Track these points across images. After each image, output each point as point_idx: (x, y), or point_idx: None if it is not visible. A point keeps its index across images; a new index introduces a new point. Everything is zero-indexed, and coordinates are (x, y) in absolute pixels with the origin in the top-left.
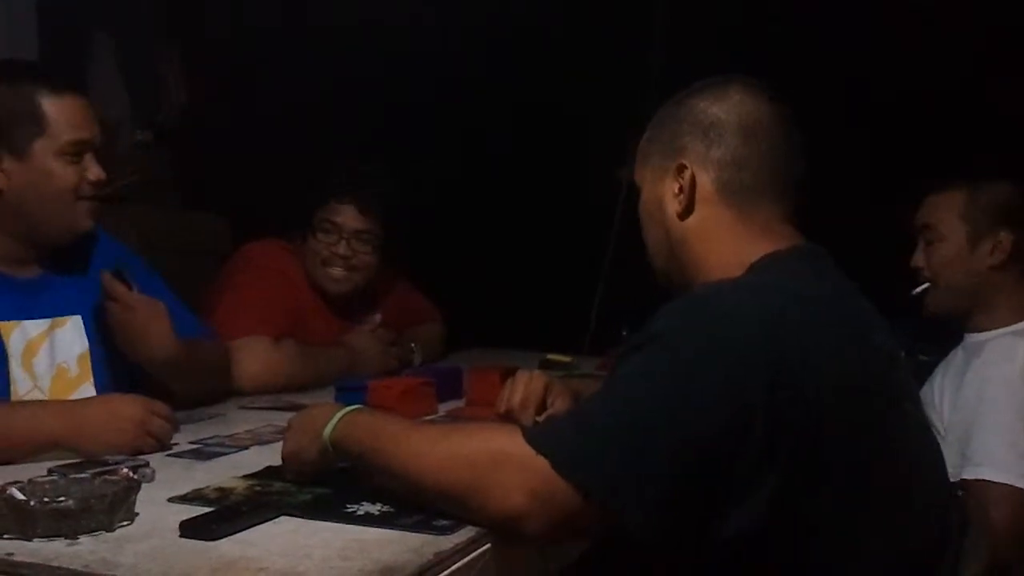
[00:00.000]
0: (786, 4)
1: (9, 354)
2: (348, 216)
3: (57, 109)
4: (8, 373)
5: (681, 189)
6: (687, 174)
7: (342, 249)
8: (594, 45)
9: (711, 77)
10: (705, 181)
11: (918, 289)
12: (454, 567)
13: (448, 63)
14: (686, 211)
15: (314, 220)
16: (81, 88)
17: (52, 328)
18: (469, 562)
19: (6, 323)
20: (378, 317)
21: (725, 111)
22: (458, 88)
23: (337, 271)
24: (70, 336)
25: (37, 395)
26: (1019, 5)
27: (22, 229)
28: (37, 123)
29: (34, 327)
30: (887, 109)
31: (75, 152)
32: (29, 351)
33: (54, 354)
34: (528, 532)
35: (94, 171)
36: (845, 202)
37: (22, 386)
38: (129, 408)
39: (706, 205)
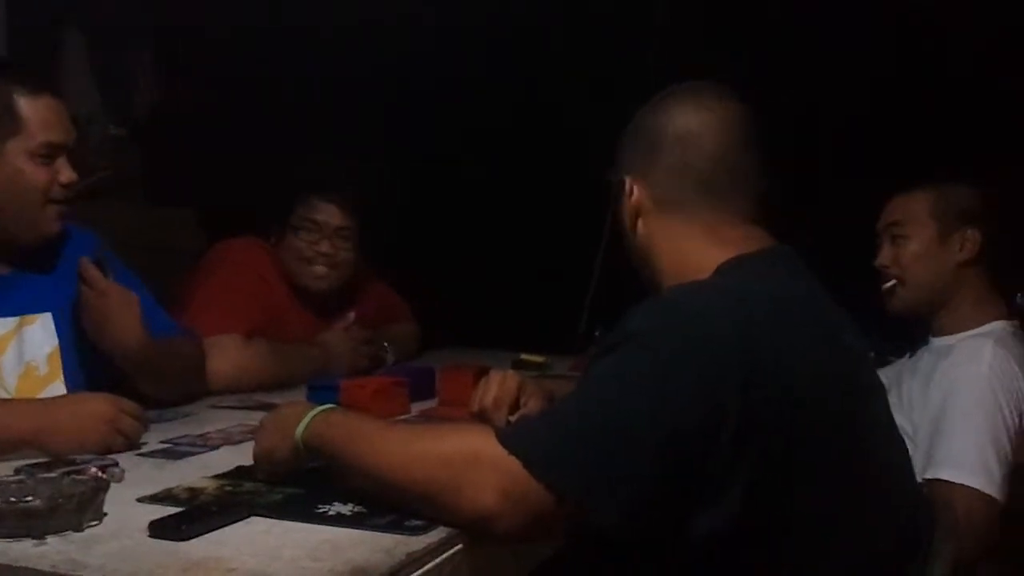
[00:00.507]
0: (785, 4)
1: None
2: (330, 213)
3: (32, 109)
4: None
5: (628, 203)
6: (628, 189)
7: (325, 247)
8: (589, 45)
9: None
10: (644, 195)
11: (887, 284)
12: (426, 568)
13: (429, 59)
14: (634, 224)
15: (293, 218)
16: (54, 86)
17: (20, 326)
18: (441, 563)
19: None
20: (352, 315)
21: (661, 122)
22: (443, 86)
23: (320, 269)
24: (39, 334)
25: (1, 394)
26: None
27: None
28: (12, 122)
29: (1, 325)
30: (884, 108)
31: (47, 154)
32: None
33: (22, 352)
34: (500, 532)
35: (66, 174)
36: (814, 203)
37: None
38: (98, 406)
39: (649, 216)
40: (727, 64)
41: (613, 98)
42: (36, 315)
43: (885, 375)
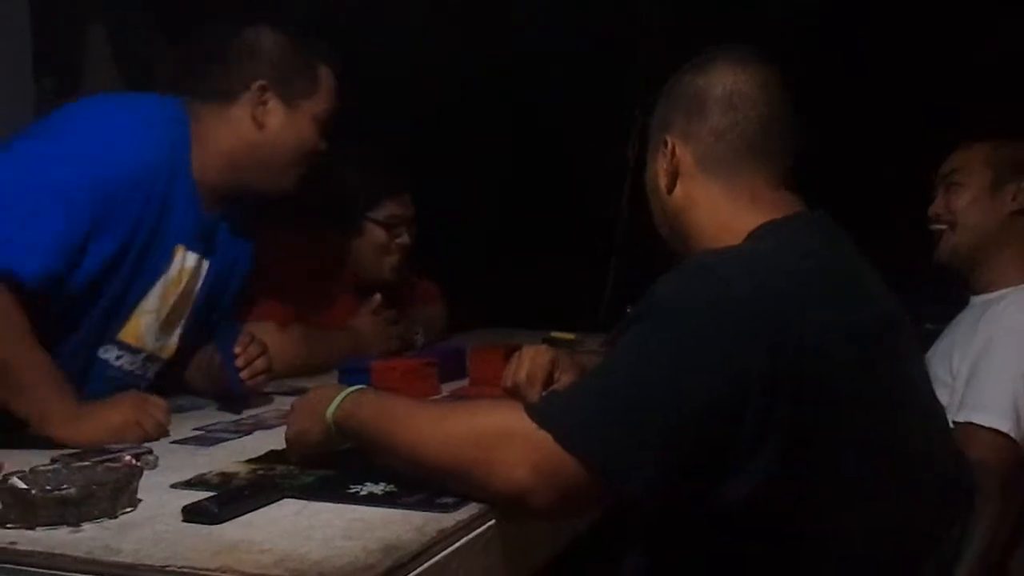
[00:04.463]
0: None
1: (166, 271)
2: (407, 206)
3: (327, 79)
4: (155, 289)
5: (667, 163)
6: (669, 148)
7: (405, 238)
8: (600, 21)
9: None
10: (686, 154)
11: (935, 227)
12: (457, 544)
13: (449, 45)
14: (671, 184)
15: (374, 213)
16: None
17: (198, 266)
18: (473, 539)
19: (180, 245)
20: (378, 296)
21: (706, 83)
22: (460, 70)
23: (395, 259)
24: (200, 279)
25: (149, 318)
26: None
27: (243, 169)
28: (313, 83)
29: (191, 259)
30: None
31: (325, 120)
32: (177, 279)
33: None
34: (534, 507)
35: (323, 144)
36: (853, 169)
37: (150, 302)
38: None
39: (688, 178)
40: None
41: (634, 72)
42: (207, 261)
43: (923, 343)
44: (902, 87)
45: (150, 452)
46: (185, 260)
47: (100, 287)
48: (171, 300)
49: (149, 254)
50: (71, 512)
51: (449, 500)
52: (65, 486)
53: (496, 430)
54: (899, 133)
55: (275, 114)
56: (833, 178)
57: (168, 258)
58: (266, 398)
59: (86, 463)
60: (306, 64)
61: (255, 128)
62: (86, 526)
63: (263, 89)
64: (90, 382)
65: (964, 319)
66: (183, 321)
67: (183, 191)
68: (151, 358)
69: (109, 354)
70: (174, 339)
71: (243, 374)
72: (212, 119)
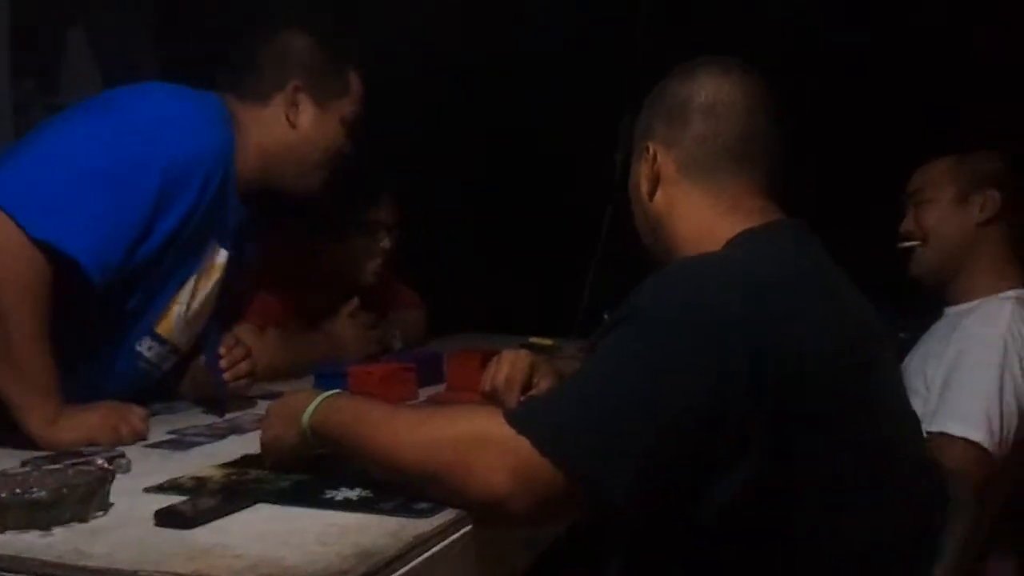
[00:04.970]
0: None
1: (202, 264)
2: (392, 212)
3: (356, 83)
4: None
5: (649, 170)
6: (651, 155)
7: (388, 244)
8: (582, 31)
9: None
10: (668, 161)
11: (908, 244)
12: (434, 550)
13: (430, 48)
14: (653, 190)
15: (358, 219)
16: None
17: (225, 263)
18: (449, 544)
19: (215, 240)
20: (355, 300)
21: (688, 91)
22: (443, 72)
23: (377, 264)
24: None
25: (180, 309)
26: None
27: (274, 168)
28: (344, 84)
29: (222, 255)
30: (877, 94)
31: (353, 122)
32: (208, 274)
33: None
34: (511, 513)
35: (348, 148)
36: (830, 180)
37: (184, 293)
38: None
39: (670, 184)
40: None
41: (615, 84)
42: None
43: (898, 352)
44: (876, 99)
45: (123, 456)
46: (217, 255)
47: (148, 272)
48: (200, 295)
49: (193, 244)
50: (41, 516)
51: (425, 505)
52: (35, 489)
53: (473, 435)
54: (878, 140)
55: (307, 114)
56: (816, 183)
57: (206, 251)
58: (249, 401)
59: (57, 466)
60: (337, 67)
61: (288, 128)
62: (57, 530)
63: (296, 90)
64: (120, 374)
65: (938, 330)
66: (206, 319)
67: (228, 185)
68: (174, 351)
69: (143, 346)
70: (195, 334)
71: (226, 376)
72: (248, 118)
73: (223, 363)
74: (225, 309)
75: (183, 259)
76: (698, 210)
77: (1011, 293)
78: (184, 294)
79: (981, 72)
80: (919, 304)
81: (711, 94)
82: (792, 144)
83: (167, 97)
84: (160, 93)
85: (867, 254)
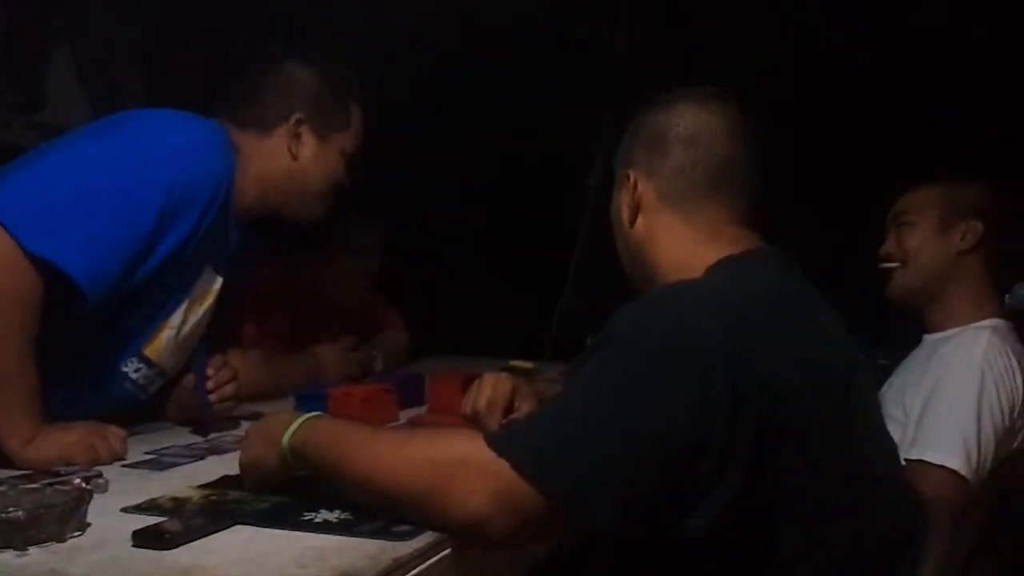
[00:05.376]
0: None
1: (195, 289)
2: (377, 234)
3: (358, 116)
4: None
5: (629, 198)
6: (632, 183)
7: (375, 266)
8: (558, 52)
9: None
10: (648, 189)
11: (888, 265)
12: (412, 573)
13: (408, 69)
14: (633, 218)
15: (348, 242)
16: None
17: (219, 290)
18: (429, 567)
19: (209, 265)
20: (337, 322)
21: (668, 121)
22: (419, 95)
23: (366, 283)
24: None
25: (170, 334)
26: None
27: (274, 197)
28: (346, 118)
29: (217, 282)
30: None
31: (353, 154)
32: (201, 299)
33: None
34: (492, 536)
35: (347, 180)
36: (829, 180)
37: (175, 318)
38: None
39: (650, 212)
40: (696, 63)
41: (592, 111)
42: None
43: (876, 378)
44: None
45: (100, 475)
46: (212, 281)
47: (142, 295)
48: (192, 320)
49: (189, 269)
50: (17, 535)
51: (405, 528)
52: (12, 508)
53: (454, 458)
54: (877, 140)
55: (308, 146)
56: (816, 183)
57: (201, 277)
58: (232, 422)
59: (35, 485)
60: (340, 100)
61: (289, 158)
62: (33, 550)
63: (299, 122)
64: (105, 395)
65: (916, 357)
66: (195, 343)
67: (227, 212)
68: (161, 374)
69: (130, 367)
70: (183, 358)
71: (212, 397)
72: (248, 147)
73: (210, 384)
74: (214, 332)
75: (177, 283)
76: (678, 238)
77: (987, 323)
78: (175, 319)
79: (981, 72)
80: (898, 332)
81: (690, 124)
82: (790, 149)
83: (176, 122)
84: (169, 119)
85: (867, 254)
